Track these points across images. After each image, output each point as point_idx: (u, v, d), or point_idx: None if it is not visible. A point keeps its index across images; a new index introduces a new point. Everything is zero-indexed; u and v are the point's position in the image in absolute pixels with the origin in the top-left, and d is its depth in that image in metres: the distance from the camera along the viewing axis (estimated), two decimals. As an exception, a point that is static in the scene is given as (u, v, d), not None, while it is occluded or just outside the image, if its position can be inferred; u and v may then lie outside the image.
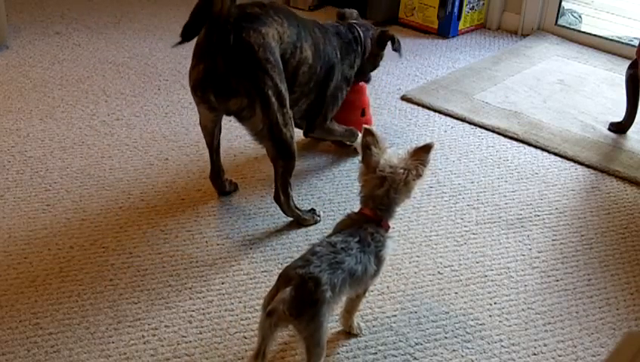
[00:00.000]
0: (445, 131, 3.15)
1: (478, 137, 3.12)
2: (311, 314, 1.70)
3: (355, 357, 1.99)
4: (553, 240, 2.51)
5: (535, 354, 2.04)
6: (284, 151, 2.37)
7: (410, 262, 2.36)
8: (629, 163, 2.98)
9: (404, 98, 3.41)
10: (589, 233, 2.56)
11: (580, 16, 4.34)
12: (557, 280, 2.32)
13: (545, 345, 2.07)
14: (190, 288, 2.20)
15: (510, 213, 2.64)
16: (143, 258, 2.31)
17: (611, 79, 3.70)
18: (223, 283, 2.22)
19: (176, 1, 4.44)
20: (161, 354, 1.97)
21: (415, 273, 2.31)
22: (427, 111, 3.31)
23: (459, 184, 2.78)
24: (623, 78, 3.20)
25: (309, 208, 2.53)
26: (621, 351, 1.15)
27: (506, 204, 2.69)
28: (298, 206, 2.49)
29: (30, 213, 2.49)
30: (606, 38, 4.11)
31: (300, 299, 1.68)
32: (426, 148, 1.92)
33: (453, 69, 3.76)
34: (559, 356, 2.04)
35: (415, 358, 2.00)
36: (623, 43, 4.03)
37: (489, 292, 2.25)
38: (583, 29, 4.23)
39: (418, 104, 3.35)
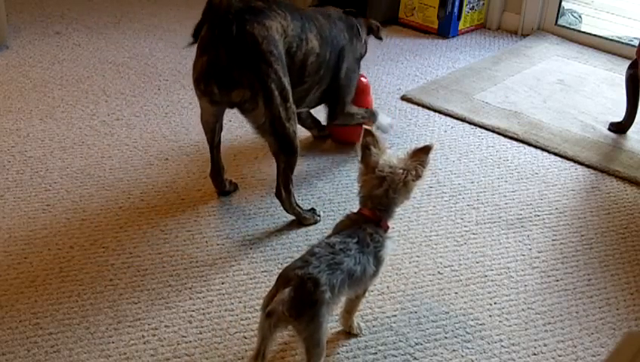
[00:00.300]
0: (445, 131, 3.15)
1: (478, 137, 3.12)
2: (310, 314, 1.70)
3: (355, 357, 1.99)
4: (553, 240, 2.51)
5: (535, 354, 2.04)
6: (286, 146, 2.37)
7: (410, 262, 2.36)
8: (629, 163, 2.98)
9: (404, 98, 3.41)
10: (589, 233, 2.56)
11: (579, 16, 4.34)
12: (557, 280, 2.32)
13: (545, 345, 2.07)
14: (190, 288, 2.20)
15: (510, 213, 2.64)
16: (143, 258, 2.31)
17: (611, 79, 3.70)
18: (223, 283, 2.22)
19: (176, 1, 4.44)
20: (161, 354, 1.97)
21: (415, 273, 2.31)
22: (427, 111, 3.31)
23: (459, 184, 2.78)
24: (623, 78, 3.19)
25: (310, 208, 2.53)
26: (621, 351, 1.15)
27: (506, 204, 2.69)
28: (299, 204, 2.50)
29: (30, 213, 2.49)
30: (606, 38, 4.11)
31: (299, 299, 1.68)
32: (426, 150, 1.92)
33: (453, 69, 3.76)
34: (559, 356, 2.04)
35: (415, 358, 2.00)
36: (623, 43, 4.03)
37: (489, 293, 2.25)
38: (583, 29, 4.23)
39: (418, 104, 3.35)
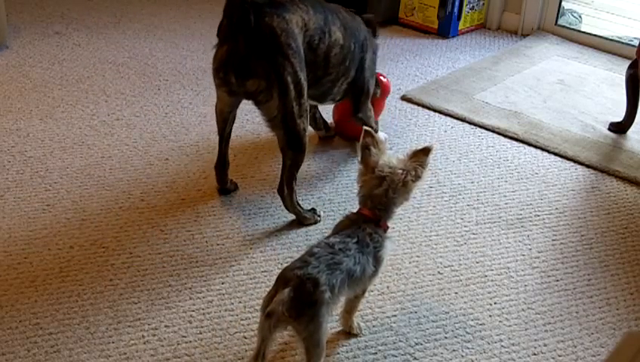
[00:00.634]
0: (445, 131, 3.15)
1: (478, 137, 3.12)
2: (310, 314, 1.70)
3: (355, 357, 1.99)
4: (553, 240, 2.51)
5: (535, 354, 2.04)
6: (294, 143, 2.38)
7: (410, 262, 2.36)
8: (629, 163, 2.98)
9: (404, 98, 3.41)
10: (589, 233, 2.56)
11: (580, 16, 4.34)
12: (557, 280, 2.32)
13: (545, 345, 2.07)
14: (190, 288, 2.20)
15: (510, 213, 2.64)
16: (143, 258, 2.31)
17: (611, 79, 3.70)
18: (223, 283, 2.22)
19: (176, 1, 4.44)
20: (161, 354, 1.97)
21: (415, 273, 2.31)
22: (427, 111, 3.31)
23: (459, 184, 2.78)
24: (623, 78, 3.20)
25: (310, 208, 2.53)
26: (621, 351, 1.15)
27: (506, 204, 2.69)
28: (300, 204, 2.50)
29: (30, 213, 2.49)
30: (606, 38, 4.11)
31: (298, 299, 1.68)
32: (426, 151, 1.92)
33: (453, 69, 3.76)
34: (559, 356, 2.04)
35: (415, 358, 2.00)
36: (623, 43, 4.03)
37: (489, 292, 2.25)
38: (583, 29, 4.23)
39: (418, 104, 3.35)
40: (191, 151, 2.89)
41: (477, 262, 2.38)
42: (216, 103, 2.51)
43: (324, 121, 3.01)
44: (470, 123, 3.22)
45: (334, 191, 2.70)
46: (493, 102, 3.40)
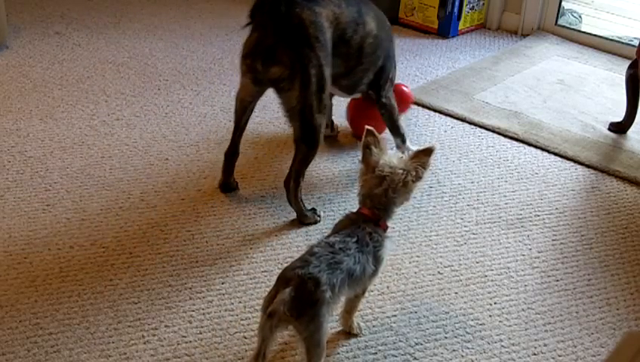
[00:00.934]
0: (445, 131, 3.15)
1: (478, 137, 3.12)
2: (311, 314, 1.70)
3: (355, 357, 1.99)
4: (553, 240, 2.51)
5: (535, 354, 2.04)
6: (309, 137, 2.40)
7: (410, 262, 2.36)
8: (629, 163, 2.98)
9: (404, 98, 3.40)
10: (589, 233, 2.56)
11: (580, 16, 4.34)
12: (557, 280, 2.32)
13: (545, 345, 2.07)
14: (190, 288, 2.20)
15: (510, 213, 2.64)
16: (142, 258, 2.31)
17: (611, 79, 3.70)
18: (223, 283, 2.22)
19: (176, 1, 4.44)
20: (161, 354, 1.97)
21: (415, 273, 2.31)
22: (427, 111, 3.31)
23: (459, 184, 2.78)
24: (623, 78, 3.20)
25: (310, 207, 2.53)
26: (621, 351, 1.15)
27: (506, 204, 2.69)
28: (303, 201, 2.50)
29: (30, 213, 2.49)
30: (606, 38, 4.11)
31: (299, 299, 1.68)
32: (427, 152, 1.92)
33: (453, 68, 3.76)
34: (559, 356, 2.04)
35: (415, 358, 2.00)
36: (623, 43, 4.03)
37: (489, 292, 2.25)
38: (583, 29, 4.23)
39: (418, 104, 3.35)
40: (191, 151, 2.89)
41: (477, 262, 2.38)
42: (238, 91, 2.51)
43: (331, 121, 3.00)
44: (470, 123, 3.22)
45: (334, 191, 2.70)
46: (493, 102, 3.40)
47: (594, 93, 3.56)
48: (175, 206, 2.57)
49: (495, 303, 2.21)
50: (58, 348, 1.96)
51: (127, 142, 2.93)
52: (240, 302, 2.15)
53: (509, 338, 2.08)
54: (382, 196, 1.89)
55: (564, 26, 4.22)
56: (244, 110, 2.53)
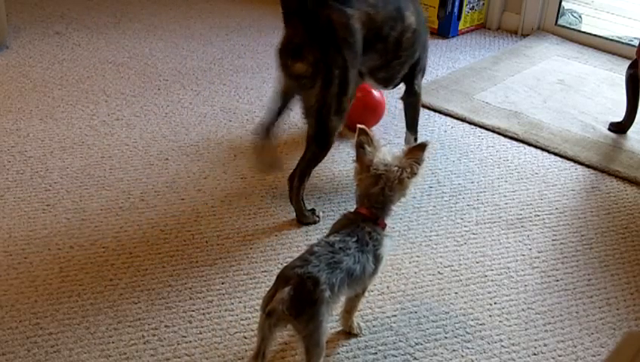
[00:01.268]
0: (445, 131, 3.15)
1: (478, 137, 3.12)
2: (310, 313, 1.70)
3: (355, 357, 1.99)
4: (553, 240, 2.51)
5: (535, 354, 2.04)
6: (321, 137, 2.40)
7: (410, 262, 2.36)
8: (629, 163, 2.98)
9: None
10: (589, 233, 2.56)
11: (580, 16, 4.34)
12: (557, 280, 2.32)
13: (545, 345, 2.07)
14: (190, 288, 2.20)
15: (510, 213, 2.64)
16: (142, 258, 2.31)
17: (611, 79, 3.70)
18: (223, 283, 2.22)
19: (176, 1, 4.44)
20: (161, 354, 1.97)
21: (415, 273, 2.31)
22: (427, 111, 3.31)
23: (459, 184, 2.78)
24: (623, 78, 3.19)
25: (310, 208, 2.53)
26: (621, 351, 1.16)
27: (506, 204, 2.69)
28: (304, 201, 2.50)
29: (30, 213, 2.49)
30: (606, 38, 4.11)
31: (299, 298, 1.68)
32: (421, 147, 1.92)
33: (453, 68, 3.76)
34: (559, 356, 2.04)
35: (415, 358, 2.00)
36: (623, 43, 4.03)
37: (489, 292, 2.25)
38: (583, 29, 4.23)
39: (418, 104, 3.35)
40: (191, 151, 2.89)
41: (477, 262, 2.38)
42: (278, 85, 2.53)
43: None
44: (470, 123, 3.22)
45: (334, 191, 2.70)
46: (493, 102, 3.40)
47: (594, 93, 3.56)
48: (175, 206, 2.57)
49: (495, 303, 2.21)
50: (58, 348, 1.96)
51: (127, 142, 2.93)
52: (240, 302, 2.15)
53: (509, 339, 2.08)
54: (379, 195, 1.89)
55: (564, 26, 4.22)
56: (283, 101, 2.52)
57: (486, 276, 2.32)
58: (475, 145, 3.06)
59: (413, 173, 1.90)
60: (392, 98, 3.41)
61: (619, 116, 3.23)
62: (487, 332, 2.10)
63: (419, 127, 3.17)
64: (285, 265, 1.83)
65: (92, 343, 1.99)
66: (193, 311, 2.11)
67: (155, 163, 2.80)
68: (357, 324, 2.05)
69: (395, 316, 2.14)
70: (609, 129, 3.22)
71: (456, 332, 2.09)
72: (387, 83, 2.71)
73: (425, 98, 3.38)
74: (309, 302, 1.70)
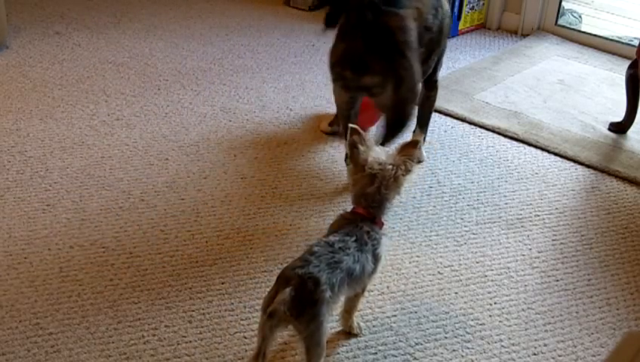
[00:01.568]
0: (445, 131, 3.15)
1: (478, 137, 3.12)
2: (311, 313, 1.70)
3: (355, 357, 1.99)
4: (553, 240, 2.51)
5: (535, 354, 2.04)
6: (397, 125, 2.44)
7: (410, 262, 2.36)
8: (629, 163, 2.98)
9: (404, 98, 3.40)
10: (589, 233, 2.56)
11: (580, 16, 4.34)
12: (557, 280, 2.32)
13: (545, 345, 2.07)
14: (190, 288, 2.20)
15: (510, 213, 2.64)
16: (143, 258, 2.31)
17: (611, 79, 3.70)
18: (222, 283, 2.22)
19: (176, 1, 4.44)
20: (161, 354, 1.97)
21: (415, 273, 2.31)
22: (427, 111, 3.31)
23: (459, 184, 2.78)
24: (623, 78, 3.20)
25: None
26: (621, 351, 1.16)
27: (506, 204, 2.69)
28: None
29: (30, 213, 2.49)
30: (606, 38, 4.11)
31: (299, 299, 1.68)
32: (414, 144, 1.92)
33: (453, 69, 3.76)
34: (559, 356, 2.04)
35: (415, 358, 2.00)
36: (623, 43, 4.03)
37: (489, 293, 2.25)
38: (583, 29, 4.23)
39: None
40: (191, 151, 2.89)
41: (477, 262, 2.38)
42: (334, 98, 2.57)
43: (336, 116, 2.99)
44: (470, 123, 3.22)
45: (334, 191, 2.70)
46: (493, 102, 3.40)
47: (594, 93, 3.56)
48: (175, 206, 2.57)
49: (495, 303, 2.21)
50: (58, 348, 1.96)
51: (127, 142, 2.93)
52: (240, 302, 2.15)
53: (509, 338, 2.08)
54: (375, 194, 1.89)
55: (564, 26, 4.22)
56: (347, 118, 2.55)
57: (486, 276, 2.32)
58: (475, 145, 3.06)
59: (408, 171, 1.90)
60: (392, 98, 3.41)
61: (619, 116, 3.23)
62: (487, 332, 2.10)
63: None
64: (285, 265, 1.83)
65: (92, 343, 1.99)
66: (193, 311, 2.11)
67: (155, 163, 2.80)
68: (357, 324, 2.05)
69: (395, 316, 2.14)
70: (609, 129, 3.22)
71: (456, 332, 2.09)
72: (422, 76, 2.69)
73: (425, 98, 3.39)
74: (310, 303, 1.69)
